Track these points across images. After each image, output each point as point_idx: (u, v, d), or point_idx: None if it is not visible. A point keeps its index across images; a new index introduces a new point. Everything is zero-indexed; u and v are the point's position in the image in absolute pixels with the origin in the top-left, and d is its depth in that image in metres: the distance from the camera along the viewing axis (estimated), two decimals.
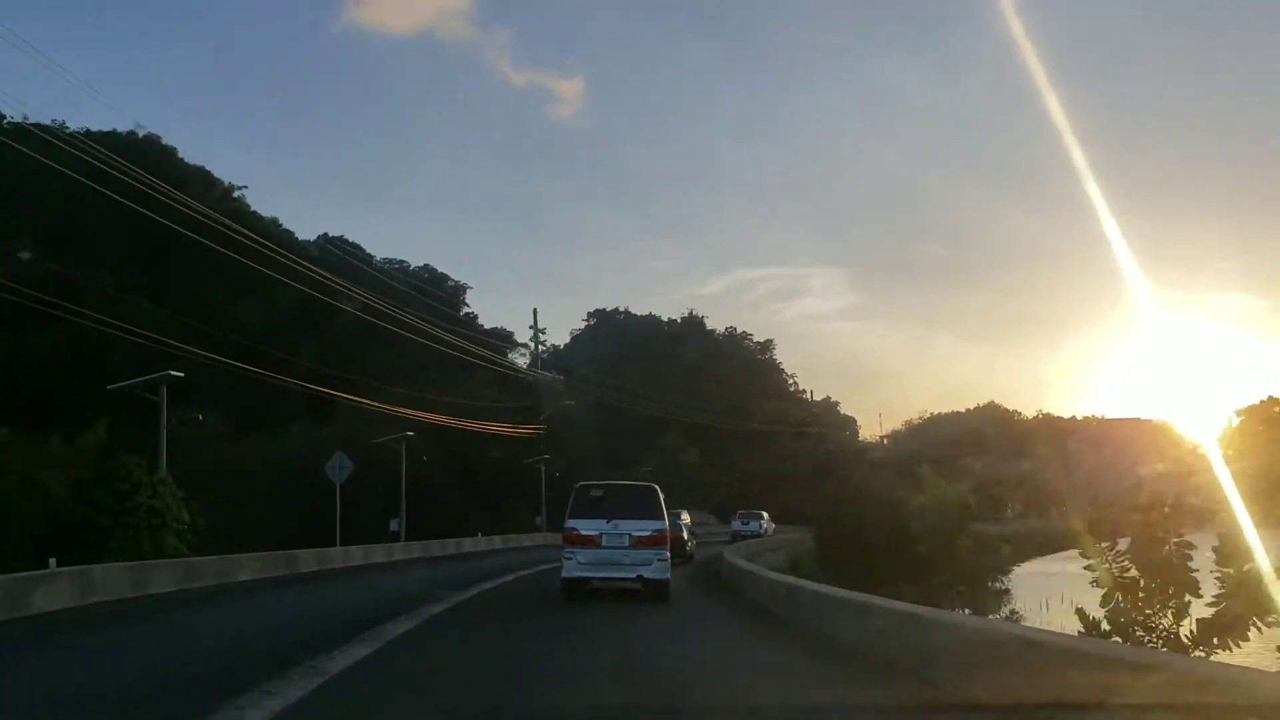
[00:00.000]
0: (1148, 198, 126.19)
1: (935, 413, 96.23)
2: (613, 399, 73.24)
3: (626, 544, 17.24)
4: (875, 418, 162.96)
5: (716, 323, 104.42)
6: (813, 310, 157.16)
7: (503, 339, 67.46)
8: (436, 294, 57.52)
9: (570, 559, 17.43)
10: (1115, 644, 8.31)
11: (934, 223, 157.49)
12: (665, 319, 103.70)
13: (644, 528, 17.35)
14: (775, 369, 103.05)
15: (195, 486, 26.86)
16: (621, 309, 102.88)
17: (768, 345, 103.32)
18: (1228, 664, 7.89)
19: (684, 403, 79.99)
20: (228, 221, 39.42)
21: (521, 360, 67.39)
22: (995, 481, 77.53)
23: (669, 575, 17.67)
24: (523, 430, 53.75)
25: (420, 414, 42.65)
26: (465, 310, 66.26)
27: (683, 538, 32.33)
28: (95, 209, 40.55)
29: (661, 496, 18.27)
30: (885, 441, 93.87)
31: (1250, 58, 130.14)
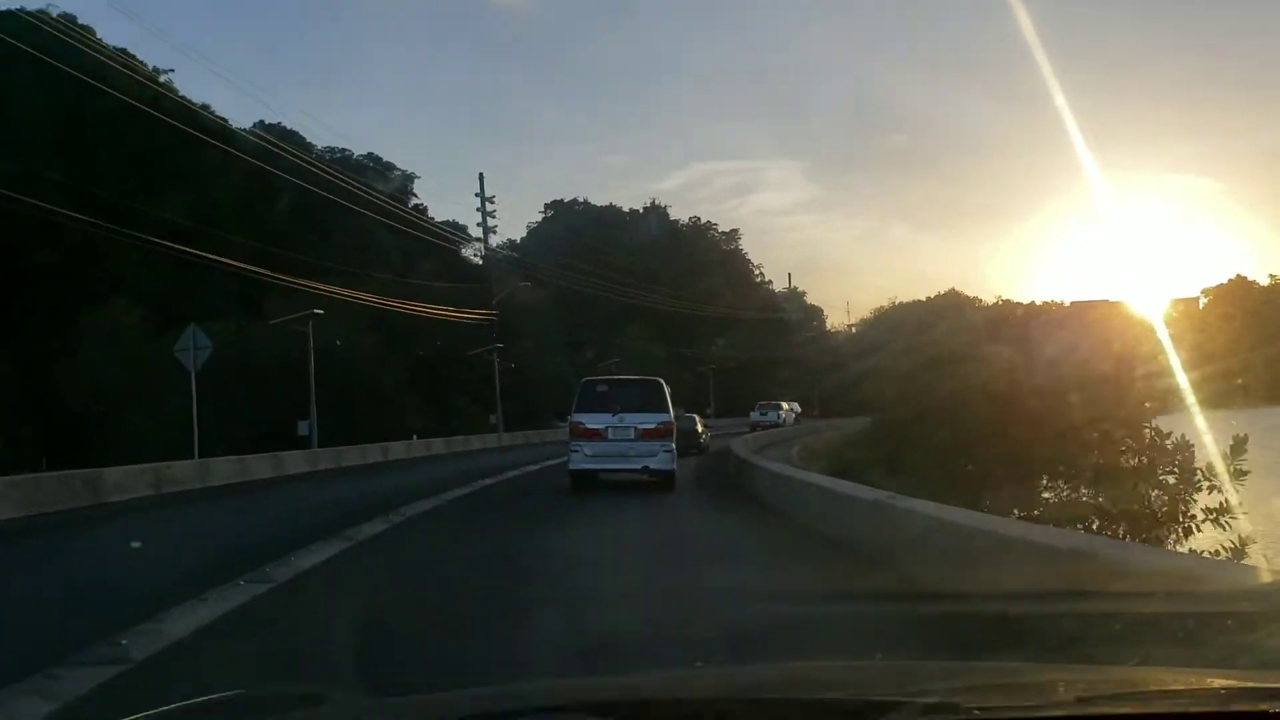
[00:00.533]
0: (1103, 81, 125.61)
1: (900, 300, 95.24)
2: (574, 289, 71.20)
3: (632, 436, 17.76)
4: (842, 308, 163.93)
5: (678, 214, 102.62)
6: (770, 204, 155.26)
7: (455, 230, 64.79)
8: (379, 185, 54.30)
9: (578, 451, 17.90)
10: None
11: (891, 113, 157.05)
12: (626, 209, 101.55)
13: (649, 420, 17.81)
14: (741, 259, 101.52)
15: (105, 385, 25.00)
16: (580, 199, 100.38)
17: (733, 235, 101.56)
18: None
19: (649, 292, 78.47)
20: (148, 109, 37.14)
21: (477, 260, 63.88)
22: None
23: (674, 466, 18.20)
24: (470, 316, 48.62)
25: (357, 295, 38.62)
26: (414, 202, 63.54)
27: (696, 430, 33.84)
28: (5, 91, 38.07)
29: (667, 390, 18.68)
30: (854, 330, 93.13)
31: None
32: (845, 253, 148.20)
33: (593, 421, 17.87)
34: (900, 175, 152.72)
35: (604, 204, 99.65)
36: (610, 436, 17.82)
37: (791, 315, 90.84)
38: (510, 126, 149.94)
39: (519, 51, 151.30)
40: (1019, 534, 6.86)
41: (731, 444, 27.90)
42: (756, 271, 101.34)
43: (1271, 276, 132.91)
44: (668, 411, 18.34)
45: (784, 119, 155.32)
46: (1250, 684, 1.71)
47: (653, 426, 17.90)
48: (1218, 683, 1.75)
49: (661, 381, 19.32)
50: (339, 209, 44.90)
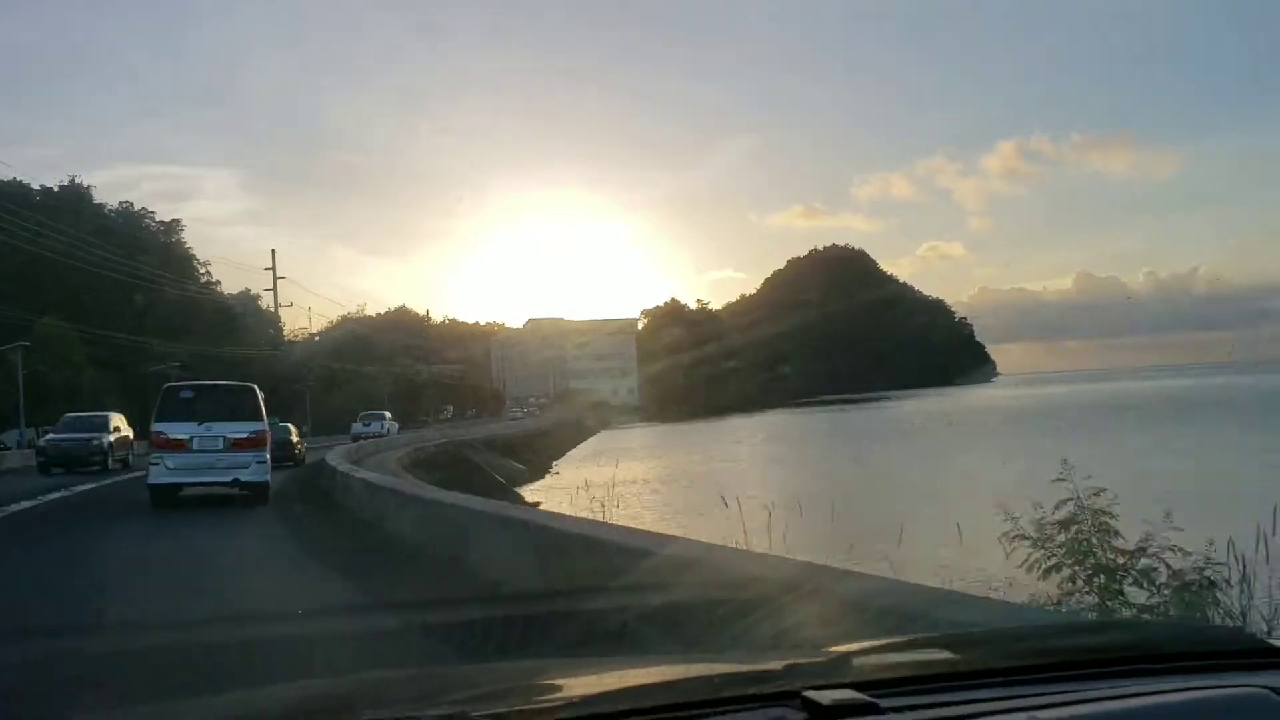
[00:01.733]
0: (551, 128, 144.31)
1: (360, 313, 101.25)
2: None
3: (221, 447, 16.78)
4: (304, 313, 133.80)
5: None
6: (208, 213, 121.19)
7: None
8: None
9: (158, 464, 16.78)
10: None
11: (340, 134, 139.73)
12: (38, 186, 79.30)
13: (241, 429, 16.97)
14: (186, 255, 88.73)
15: None
16: None
17: (174, 225, 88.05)
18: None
19: (68, 286, 69.96)
20: None
21: None
22: (434, 383, 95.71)
23: (269, 477, 17.53)
24: None
25: None
26: None
27: (291, 440, 33.32)
28: None
29: (261, 396, 17.96)
30: (316, 338, 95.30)
31: None
32: (293, 265, 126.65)
33: (176, 431, 16.69)
34: (347, 194, 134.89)
35: (7, 178, 74.19)
36: (196, 447, 16.70)
37: (247, 319, 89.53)
38: None
39: None
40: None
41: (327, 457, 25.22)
42: (203, 271, 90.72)
43: (700, 301, 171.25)
44: (261, 420, 17.53)
45: (225, 129, 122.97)
46: (744, 667, 1.82)
47: (245, 436, 16.95)
48: (721, 668, 1.85)
49: (255, 388, 18.47)
50: None
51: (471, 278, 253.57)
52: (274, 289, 63.76)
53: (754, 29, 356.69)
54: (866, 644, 1.86)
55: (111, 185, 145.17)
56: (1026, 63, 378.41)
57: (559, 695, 1.70)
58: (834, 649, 1.89)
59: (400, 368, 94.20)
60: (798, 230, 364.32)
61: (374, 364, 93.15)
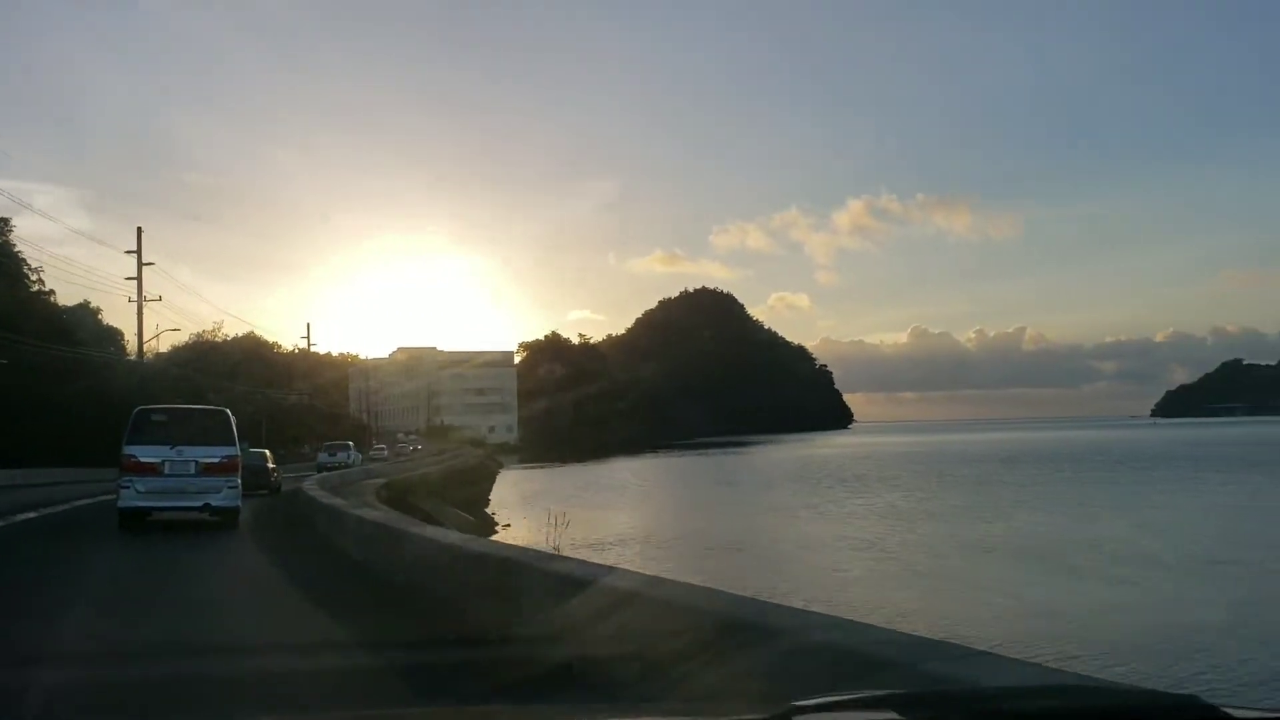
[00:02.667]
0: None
1: (214, 334, 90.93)
2: None
3: (193, 471, 16.45)
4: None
5: None
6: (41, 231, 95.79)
7: None
8: None
9: (128, 488, 16.41)
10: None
11: (186, 157, 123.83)
12: None
13: (213, 454, 16.61)
14: (14, 257, 77.04)
15: None
16: None
17: (4, 225, 76.39)
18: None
19: None
20: None
21: None
22: (293, 413, 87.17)
23: (239, 503, 17.24)
24: None
25: None
26: None
27: (266, 466, 31.44)
28: None
29: (234, 421, 17.62)
30: (157, 358, 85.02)
31: None
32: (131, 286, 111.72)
33: (147, 455, 16.29)
34: (197, 219, 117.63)
35: None
36: (167, 471, 16.34)
37: (83, 332, 79.43)
38: None
39: None
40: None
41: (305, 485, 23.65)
42: (34, 276, 79.07)
43: (581, 335, 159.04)
44: (234, 444, 17.14)
45: (62, 146, 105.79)
46: None
47: (216, 460, 16.58)
48: None
49: (228, 412, 18.10)
50: None
51: (326, 309, 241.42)
52: (139, 293, 55.08)
53: (616, 76, 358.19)
54: (815, 700, 1.79)
55: None
56: (883, 123, 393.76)
57: None
58: (780, 706, 1.79)
59: (258, 394, 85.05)
60: (658, 275, 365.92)
61: (227, 388, 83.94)
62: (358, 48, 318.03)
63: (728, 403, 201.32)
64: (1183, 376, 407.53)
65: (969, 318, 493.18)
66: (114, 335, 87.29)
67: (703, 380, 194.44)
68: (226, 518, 16.90)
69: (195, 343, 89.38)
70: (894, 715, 1.66)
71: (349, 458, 53.49)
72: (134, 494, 16.44)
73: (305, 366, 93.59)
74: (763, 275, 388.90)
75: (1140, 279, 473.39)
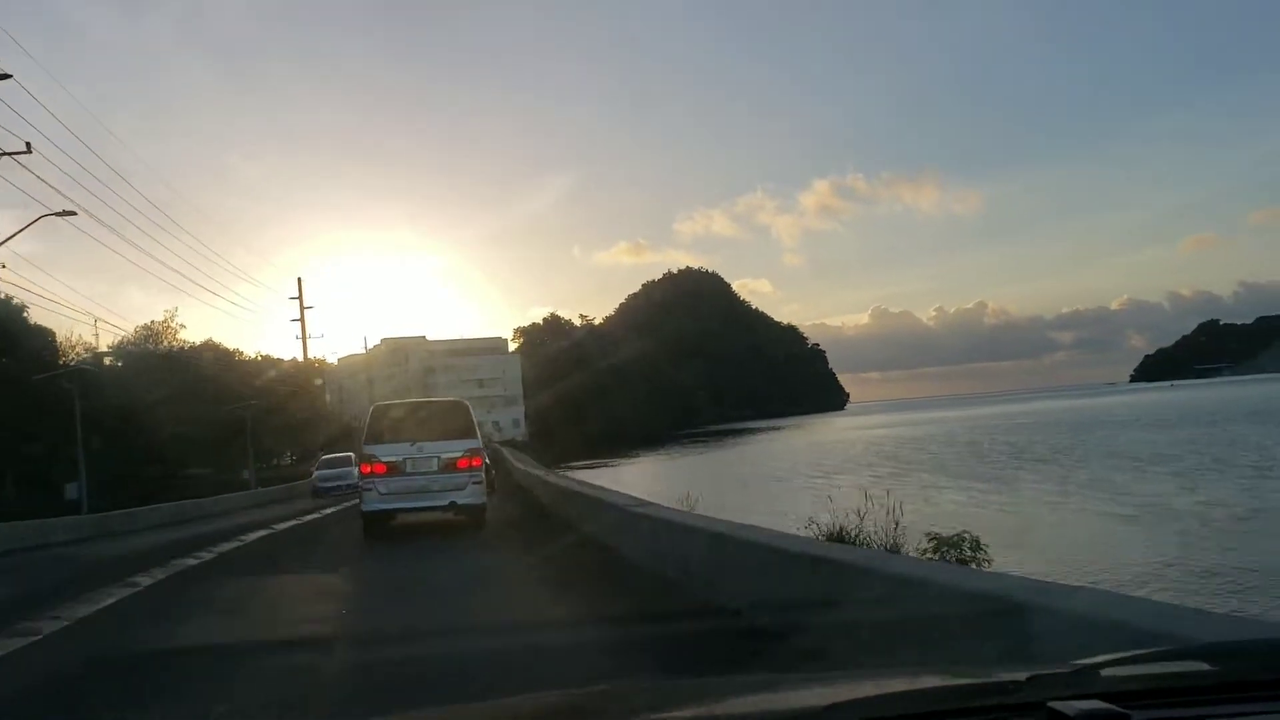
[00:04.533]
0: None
1: (167, 325, 77.58)
2: None
3: (435, 468, 15.78)
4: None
5: None
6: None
7: None
8: None
9: (370, 490, 15.78)
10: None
11: (134, 167, 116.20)
12: None
13: (454, 448, 15.92)
14: None
15: None
16: None
17: None
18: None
19: None
20: None
21: None
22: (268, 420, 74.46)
23: (485, 499, 16.53)
24: None
25: None
26: None
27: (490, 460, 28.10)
28: None
29: (473, 413, 16.74)
30: (108, 360, 71.66)
31: None
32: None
33: (387, 454, 15.73)
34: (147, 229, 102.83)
35: None
36: (409, 470, 15.68)
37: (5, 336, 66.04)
38: None
39: None
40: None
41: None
42: None
43: (583, 316, 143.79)
44: (475, 437, 16.25)
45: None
46: (986, 679, 1.72)
47: (459, 455, 15.80)
48: (961, 680, 1.80)
49: (466, 404, 17.24)
50: None
51: (285, 316, 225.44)
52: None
53: (569, 66, 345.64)
54: (1115, 655, 1.76)
55: None
56: (847, 101, 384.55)
57: (795, 707, 1.67)
58: (1080, 661, 1.75)
59: (223, 401, 71.61)
60: (625, 266, 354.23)
61: (186, 395, 70.50)
62: (308, 48, 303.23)
63: (728, 386, 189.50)
64: (1140, 343, 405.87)
65: (930, 295, 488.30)
66: (45, 331, 73.43)
67: (699, 365, 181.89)
68: (473, 516, 16.02)
69: (144, 337, 75.57)
70: (1202, 665, 1.63)
71: (352, 474, 39.74)
72: (376, 496, 15.60)
73: (267, 372, 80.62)
74: (729, 261, 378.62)
75: (1095, 248, 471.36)
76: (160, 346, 76.23)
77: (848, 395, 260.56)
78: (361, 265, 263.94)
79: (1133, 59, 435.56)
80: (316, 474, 42.16)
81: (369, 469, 15.82)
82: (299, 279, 64.11)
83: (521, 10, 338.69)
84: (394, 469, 15.64)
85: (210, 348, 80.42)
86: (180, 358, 74.73)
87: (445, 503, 15.84)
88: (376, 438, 16.07)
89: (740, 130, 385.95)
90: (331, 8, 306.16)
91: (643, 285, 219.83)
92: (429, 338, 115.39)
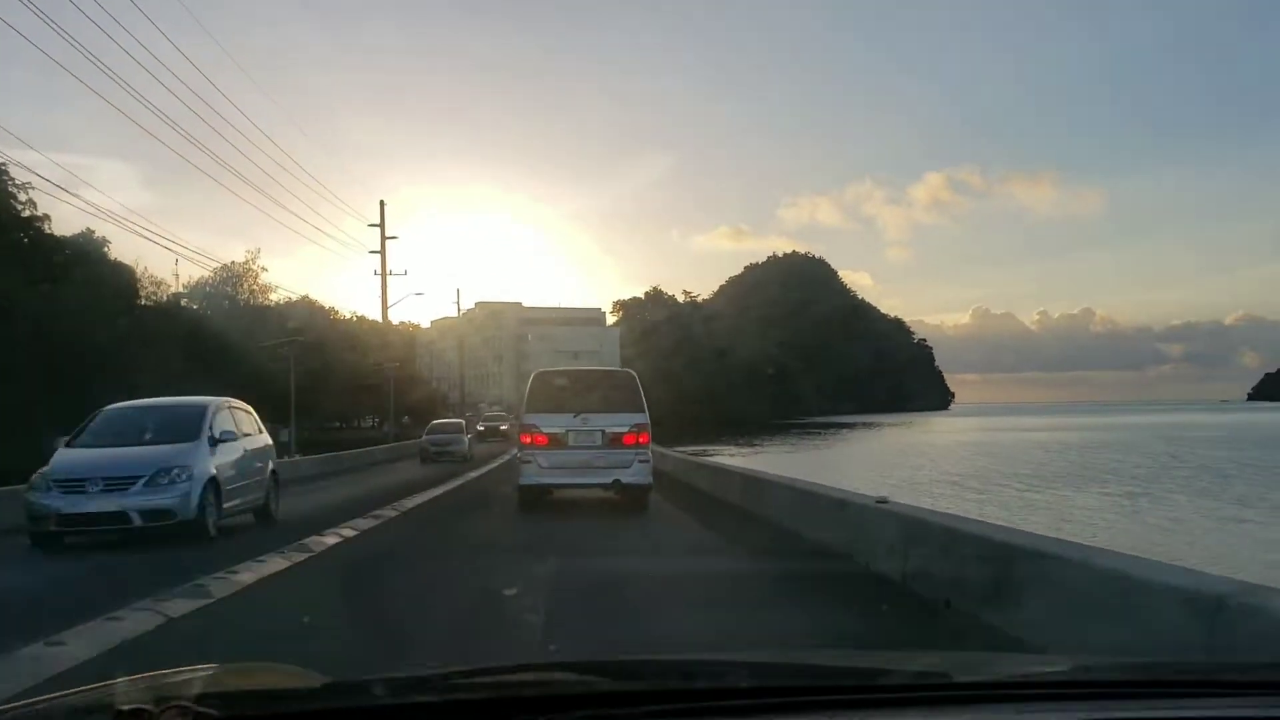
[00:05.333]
0: None
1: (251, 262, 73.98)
2: None
3: (599, 443, 14.79)
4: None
5: None
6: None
7: None
8: None
9: (530, 462, 14.90)
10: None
11: (241, 130, 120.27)
12: None
13: (621, 422, 14.91)
14: None
15: None
16: None
17: None
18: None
19: None
20: None
21: None
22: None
23: (651, 479, 15.39)
24: None
25: None
26: None
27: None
28: None
29: (640, 384, 15.60)
30: (184, 301, 68.55)
31: None
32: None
33: (549, 424, 14.86)
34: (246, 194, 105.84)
35: None
36: (571, 443, 14.77)
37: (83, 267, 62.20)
38: None
39: None
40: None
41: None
42: (23, 197, 61.71)
43: (686, 292, 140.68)
44: (643, 410, 15.21)
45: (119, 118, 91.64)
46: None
47: (625, 429, 14.88)
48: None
49: (633, 374, 16.13)
50: None
51: (377, 283, 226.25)
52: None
53: (673, 45, 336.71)
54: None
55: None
56: (969, 91, 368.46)
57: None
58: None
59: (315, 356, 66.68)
60: (724, 251, 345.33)
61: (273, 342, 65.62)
62: (411, 24, 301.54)
63: (830, 377, 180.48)
64: (1254, 361, 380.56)
65: (1033, 298, 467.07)
66: (126, 272, 69.21)
67: (803, 352, 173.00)
68: (637, 497, 15.07)
69: (223, 279, 70.53)
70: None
71: (463, 442, 40.52)
72: (536, 469, 14.88)
73: (361, 332, 75.94)
74: (831, 251, 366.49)
75: (1216, 258, 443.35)
76: (240, 291, 71.03)
77: (953, 395, 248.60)
78: (456, 231, 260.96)
79: (1277, 64, 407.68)
80: (427, 438, 41.55)
81: (529, 439, 15.08)
82: (381, 202, 57.41)
83: None
84: (556, 441, 14.85)
85: (306, 303, 76.18)
86: (273, 312, 70.48)
87: (609, 480, 15.01)
88: (538, 406, 15.23)
89: (854, 117, 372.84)
90: None
91: (745, 267, 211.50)
92: (524, 305, 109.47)
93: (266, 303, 71.87)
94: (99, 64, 60.67)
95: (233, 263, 67.96)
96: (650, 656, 2.26)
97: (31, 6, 23.36)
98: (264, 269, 66.34)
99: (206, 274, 67.72)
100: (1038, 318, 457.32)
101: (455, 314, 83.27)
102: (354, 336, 75.32)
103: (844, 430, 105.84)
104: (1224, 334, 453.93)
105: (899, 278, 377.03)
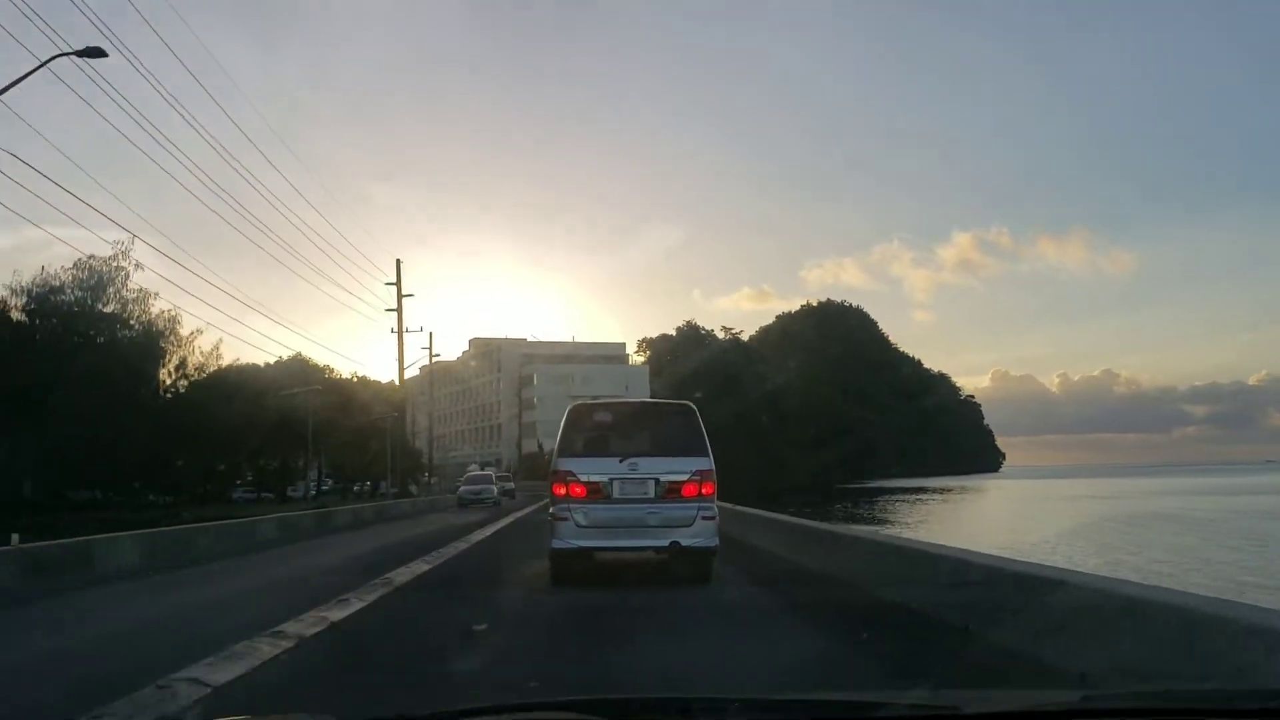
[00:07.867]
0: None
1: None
2: None
3: (653, 494, 11.57)
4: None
5: None
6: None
7: None
8: None
9: (565, 519, 11.52)
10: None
11: (254, 200, 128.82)
12: None
13: (680, 468, 11.64)
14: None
15: None
16: None
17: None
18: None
19: None
20: None
21: None
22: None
23: (718, 540, 11.87)
24: None
25: None
26: None
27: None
28: None
29: (700, 421, 12.02)
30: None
31: None
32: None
33: (589, 471, 11.68)
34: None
35: None
36: (617, 495, 11.58)
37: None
38: None
39: None
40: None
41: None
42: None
43: (725, 328, 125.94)
44: (706, 454, 11.80)
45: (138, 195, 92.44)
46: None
47: (685, 478, 11.65)
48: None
49: (693, 407, 12.43)
50: None
51: (384, 343, 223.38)
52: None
53: (697, 109, 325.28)
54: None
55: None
56: (999, 151, 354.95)
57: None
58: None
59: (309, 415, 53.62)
60: (746, 313, 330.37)
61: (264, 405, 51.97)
62: (423, 92, 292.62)
63: (879, 436, 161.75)
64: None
65: (1051, 360, 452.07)
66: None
67: (849, 409, 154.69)
68: (697, 563, 11.64)
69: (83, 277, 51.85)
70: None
71: (492, 491, 47.25)
72: (573, 529, 11.46)
73: (367, 393, 61.73)
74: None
75: (1241, 318, 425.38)
76: (103, 299, 51.23)
77: (1004, 456, 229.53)
78: (471, 294, 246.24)
79: None
80: (463, 489, 47.18)
81: (563, 489, 11.68)
82: (397, 261, 54.28)
83: (646, 49, 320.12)
84: (597, 492, 11.59)
85: (299, 361, 61.30)
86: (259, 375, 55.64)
87: (664, 542, 11.57)
88: (575, 449, 11.94)
89: (883, 177, 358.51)
90: (455, 53, 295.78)
91: (776, 317, 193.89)
92: (529, 339, 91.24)
93: (151, 318, 51.80)
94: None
95: (91, 256, 48.60)
96: (650, 695, 2.41)
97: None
98: (139, 266, 47.66)
99: (55, 272, 49.06)
100: (1057, 380, 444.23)
101: (427, 360, 65.92)
102: (348, 396, 60.98)
103: (931, 495, 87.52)
104: (1248, 394, 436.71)
105: (921, 339, 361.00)
